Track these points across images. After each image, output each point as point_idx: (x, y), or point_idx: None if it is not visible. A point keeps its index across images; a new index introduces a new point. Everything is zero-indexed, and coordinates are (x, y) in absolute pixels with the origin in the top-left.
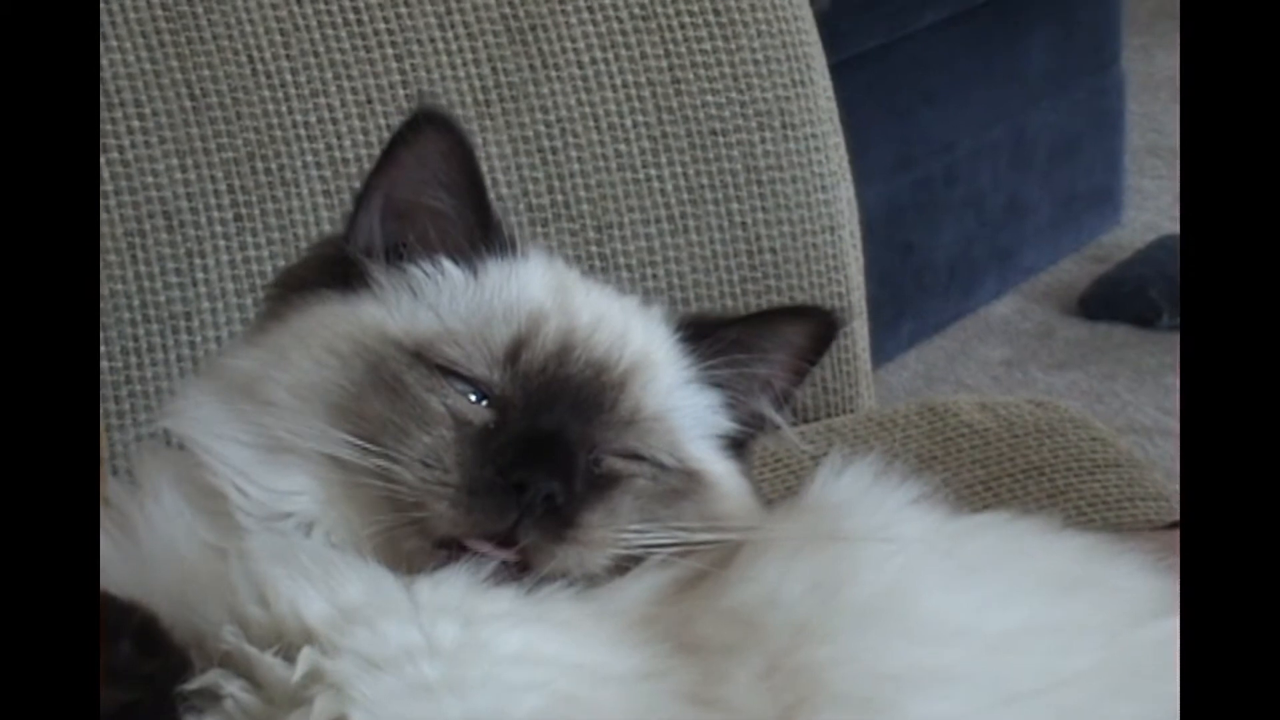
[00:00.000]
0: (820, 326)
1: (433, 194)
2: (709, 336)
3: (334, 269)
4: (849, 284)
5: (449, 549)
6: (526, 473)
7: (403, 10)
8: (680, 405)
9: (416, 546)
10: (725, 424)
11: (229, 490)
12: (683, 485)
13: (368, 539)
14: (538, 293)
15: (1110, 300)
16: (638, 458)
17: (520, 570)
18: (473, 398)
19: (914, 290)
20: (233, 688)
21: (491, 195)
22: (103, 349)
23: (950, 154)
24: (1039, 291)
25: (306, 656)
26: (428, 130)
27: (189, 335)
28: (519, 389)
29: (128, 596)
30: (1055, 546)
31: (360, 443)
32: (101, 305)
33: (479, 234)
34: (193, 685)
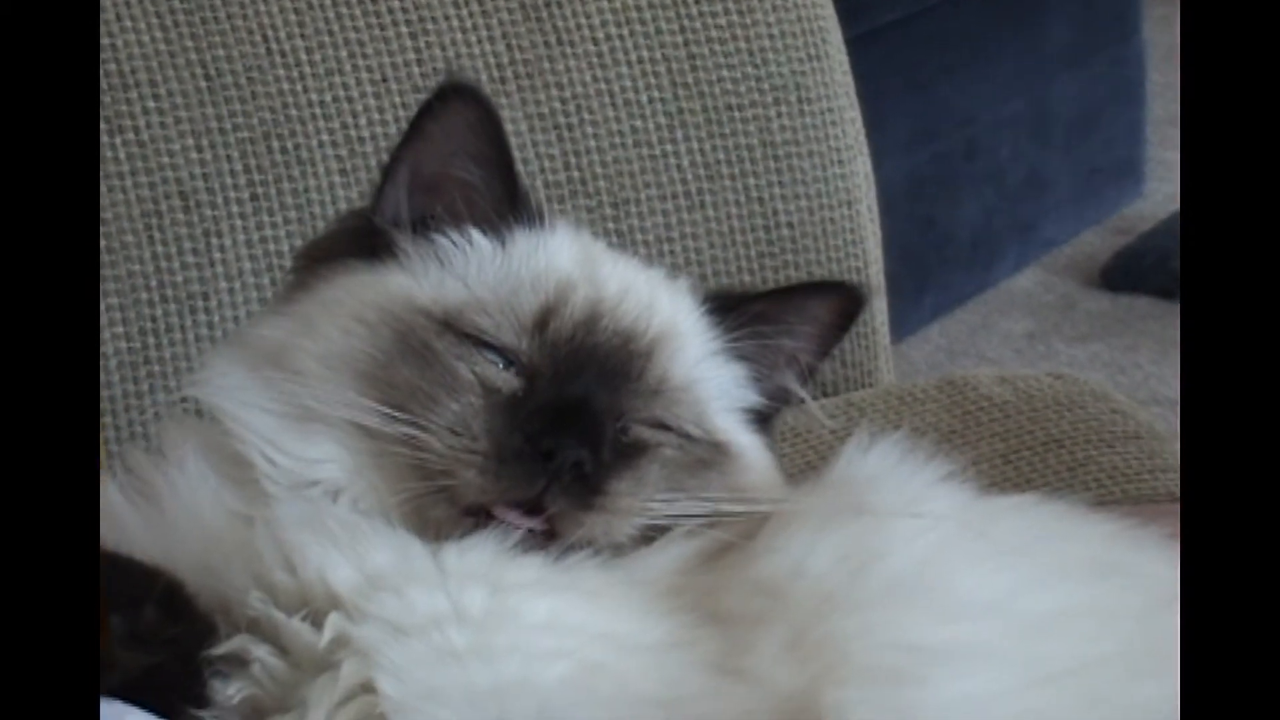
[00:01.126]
0: (845, 301)
1: (460, 165)
2: (735, 310)
3: (361, 240)
4: (867, 258)
5: (476, 516)
6: (555, 440)
7: None
8: (707, 377)
9: (444, 514)
10: (751, 397)
11: (256, 458)
12: (709, 456)
13: (395, 506)
14: (565, 263)
15: (1132, 272)
16: (664, 427)
17: (547, 538)
18: (501, 366)
19: (935, 264)
20: (260, 652)
21: (518, 165)
22: (120, 329)
23: (971, 127)
24: (1060, 264)
25: (333, 622)
26: (455, 102)
27: (206, 315)
28: (547, 357)
29: (151, 562)
30: (1084, 531)
31: (388, 410)
32: (119, 286)
33: (506, 204)
34: (219, 650)
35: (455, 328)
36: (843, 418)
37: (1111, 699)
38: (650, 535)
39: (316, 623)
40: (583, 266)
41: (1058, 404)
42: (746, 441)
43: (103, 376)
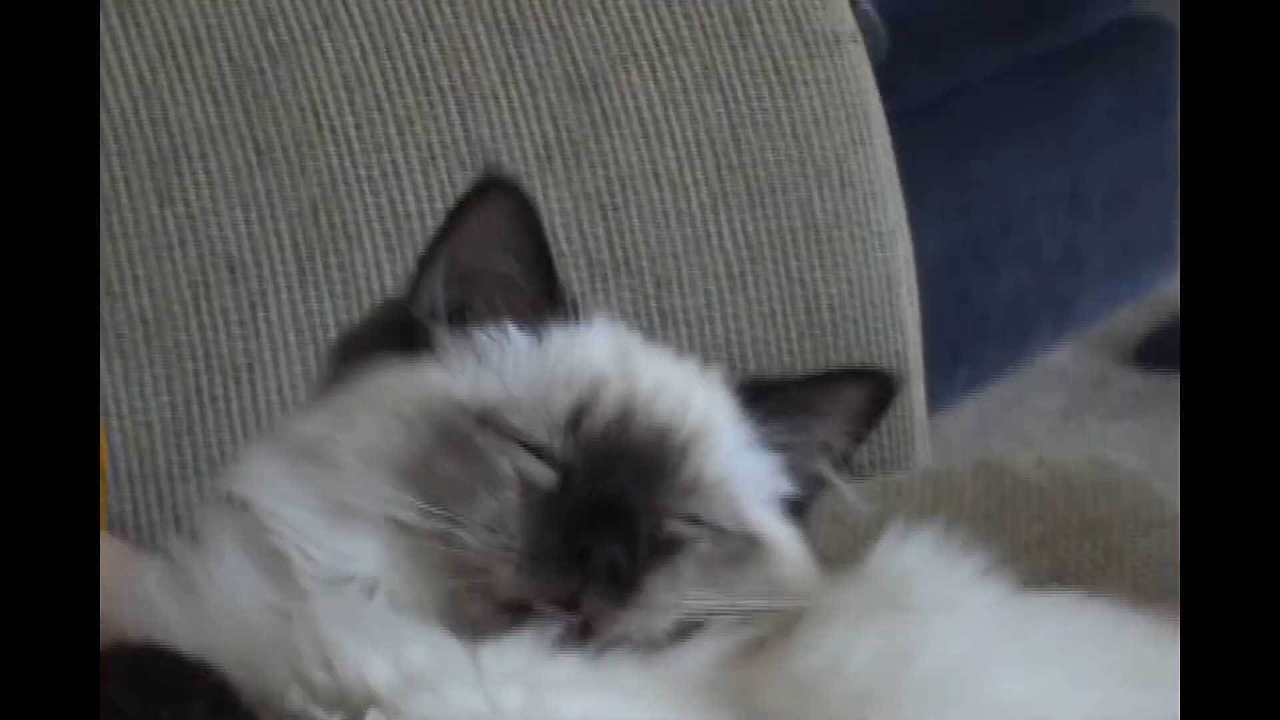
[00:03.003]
0: (879, 389)
1: (498, 258)
2: (768, 399)
3: (397, 332)
4: (905, 340)
5: (513, 613)
6: (591, 538)
7: (466, 66)
8: (741, 470)
9: (480, 610)
10: (785, 486)
11: (292, 552)
12: (744, 550)
13: (431, 602)
14: (600, 358)
15: (1167, 350)
16: (699, 522)
17: (583, 634)
18: (538, 462)
19: (970, 338)
20: None
21: (556, 260)
22: (165, 398)
23: (1006, 202)
24: (1096, 341)
25: None
26: (494, 194)
27: (250, 386)
28: (581, 455)
29: (197, 656)
30: (1125, 634)
31: (425, 506)
32: (165, 355)
33: (544, 299)
34: None
35: (492, 424)
36: (879, 500)
37: None
38: (685, 631)
39: None
40: (618, 361)
41: (1094, 489)
42: (781, 533)
43: (147, 445)
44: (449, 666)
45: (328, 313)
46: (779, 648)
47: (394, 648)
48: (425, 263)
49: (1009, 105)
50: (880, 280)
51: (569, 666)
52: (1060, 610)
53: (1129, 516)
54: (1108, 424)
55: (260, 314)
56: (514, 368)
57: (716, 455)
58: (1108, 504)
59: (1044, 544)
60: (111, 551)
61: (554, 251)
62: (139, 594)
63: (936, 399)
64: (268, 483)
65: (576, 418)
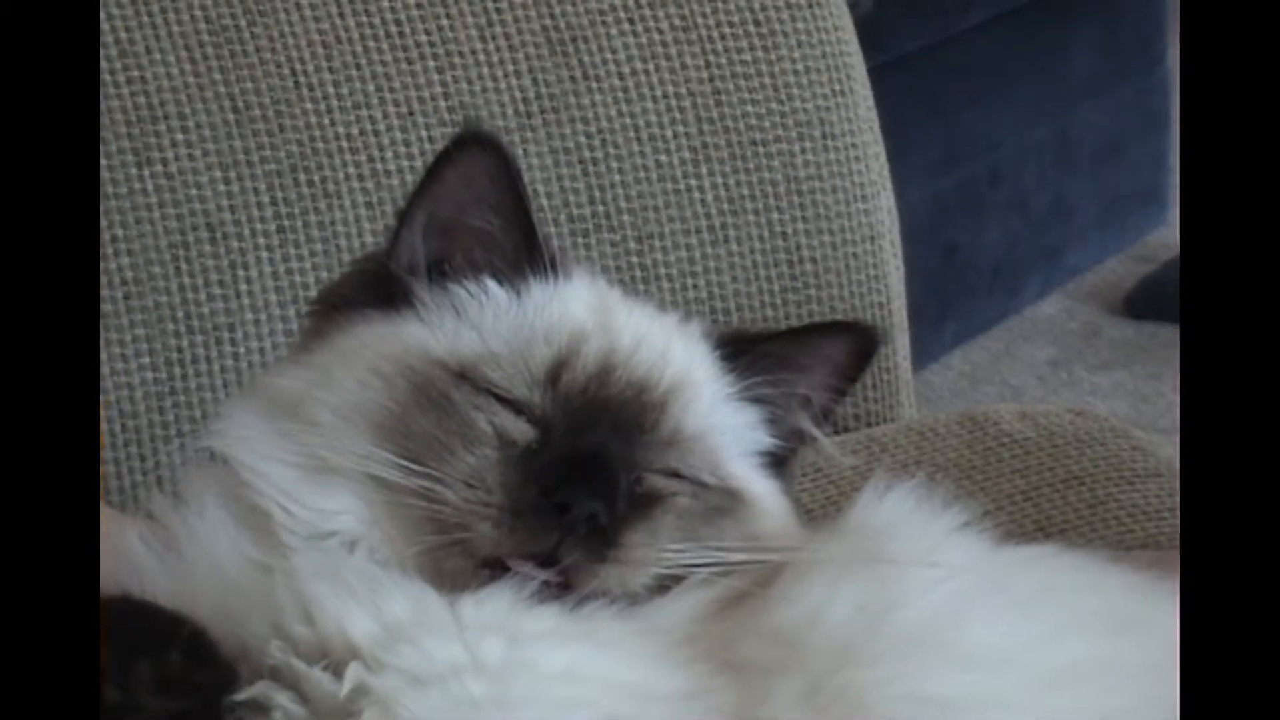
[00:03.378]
0: (860, 342)
1: (477, 214)
2: (749, 353)
3: (376, 287)
4: (890, 293)
5: (492, 568)
6: (569, 493)
7: (444, 22)
8: (721, 424)
9: (459, 566)
10: (766, 441)
11: (273, 509)
12: (723, 504)
13: (411, 558)
14: (580, 313)
15: (1156, 300)
16: (679, 476)
17: (562, 589)
18: (516, 418)
19: (958, 291)
20: (281, 699)
21: (536, 215)
22: (146, 360)
23: (995, 154)
24: (1084, 292)
25: (353, 672)
26: (473, 149)
27: (232, 347)
28: (560, 410)
29: (175, 608)
30: (1103, 583)
31: (404, 463)
32: (145, 317)
33: (523, 254)
34: (241, 696)
35: (471, 380)
36: (864, 453)
37: None
38: (665, 585)
39: (336, 672)
40: (597, 316)
41: (1078, 441)
42: (761, 487)
43: (129, 407)
44: (429, 619)
45: (308, 272)
46: (759, 601)
47: (375, 601)
48: (404, 218)
49: (996, 56)
50: (863, 234)
51: (549, 619)
52: (1039, 562)
53: (1112, 468)
54: (1097, 374)
55: (241, 274)
56: (493, 323)
57: (696, 409)
58: (1091, 456)
59: (1028, 496)
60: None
61: (534, 206)
62: (120, 551)
63: (925, 352)
64: (248, 440)
65: (556, 372)
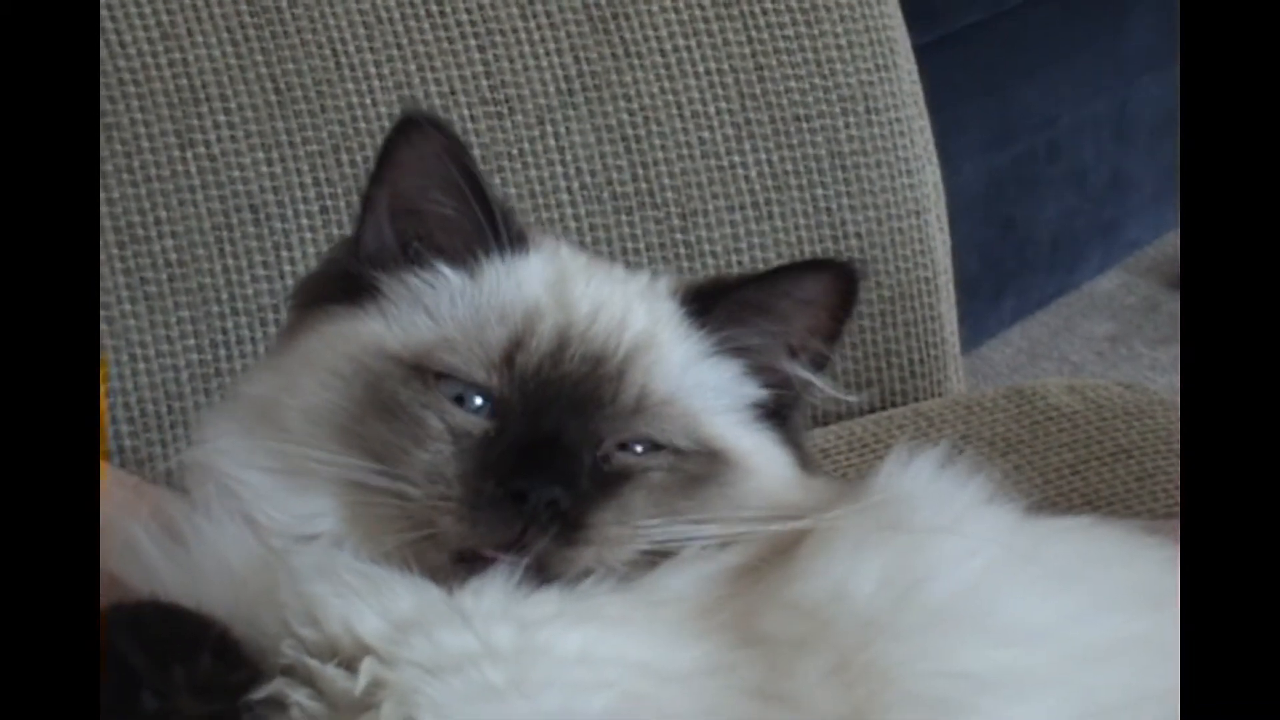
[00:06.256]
0: (837, 279)
1: (430, 197)
2: (721, 304)
3: (341, 281)
4: (935, 268)
5: (468, 560)
6: (525, 481)
7: (484, 1)
8: (695, 382)
9: (436, 560)
10: (752, 392)
11: (257, 515)
12: (705, 470)
13: (394, 554)
14: (536, 289)
15: None
16: (654, 445)
17: (540, 574)
18: (478, 401)
19: (1016, 266)
20: (298, 696)
21: (496, 192)
22: (191, 341)
23: (1052, 128)
24: (1143, 266)
25: (368, 667)
26: (415, 135)
27: (276, 327)
28: (517, 392)
29: (199, 609)
30: (1141, 557)
31: (368, 464)
32: (190, 299)
33: (478, 233)
34: (259, 694)
35: (425, 369)
36: (910, 428)
37: None
38: (655, 559)
39: (350, 668)
40: (553, 290)
41: (1126, 414)
42: (749, 443)
43: (174, 389)
44: (436, 611)
45: None
46: (779, 571)
47: (380, 598)
48: (367, 204)
49: (1053, 31)
50: (908, 208)
51: (550, 602)
52: (1073, 534)
53: (1161, 441)
54: (1157, 349)
55: (284, 255)
56: (449, 307)
57: (663, 371)
58: (1140, 429)
59: (1075, 470)
60: (113, 483)
61: (490, 182)
62: (129, 541)
63: (983, 328)
64: (226, 450)
65: (510, 353)
